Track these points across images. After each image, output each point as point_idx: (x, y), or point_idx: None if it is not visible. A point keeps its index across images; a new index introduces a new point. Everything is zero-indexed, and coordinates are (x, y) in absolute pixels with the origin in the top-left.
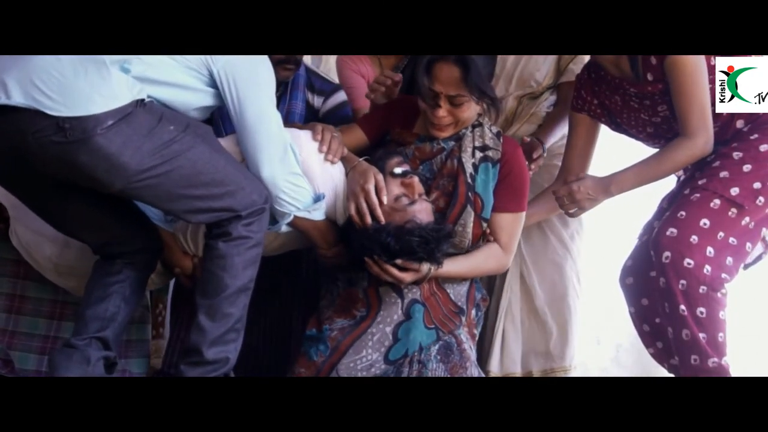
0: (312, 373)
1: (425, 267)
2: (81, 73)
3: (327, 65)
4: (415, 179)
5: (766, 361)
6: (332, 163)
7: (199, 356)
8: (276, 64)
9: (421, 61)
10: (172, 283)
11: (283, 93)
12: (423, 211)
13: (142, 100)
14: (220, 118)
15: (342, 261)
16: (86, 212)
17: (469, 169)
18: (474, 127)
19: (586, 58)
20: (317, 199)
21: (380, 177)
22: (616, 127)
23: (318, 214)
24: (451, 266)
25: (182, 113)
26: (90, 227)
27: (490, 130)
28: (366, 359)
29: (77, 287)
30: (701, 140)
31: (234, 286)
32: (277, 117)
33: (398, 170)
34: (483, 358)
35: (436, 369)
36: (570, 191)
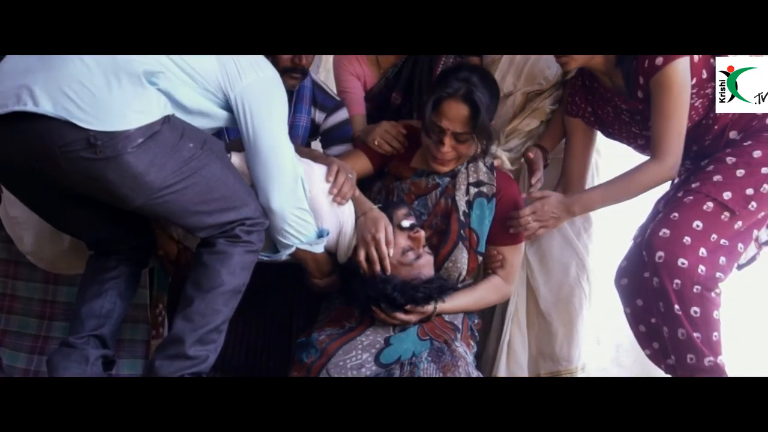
0: (302, 374)
1: (430, 307)
2: (114, 85)
3: (327, 65)
4: (422, 233)
5: (763, 361)
6: (340, 204)
7: (180, 348)
8: (282, 73)
9: (430, 98)
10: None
11: (288, 104)
12: (427, 266)
13: (168, 116)
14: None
15: (332, 290)
16: (86, 214)
17: (462, 207)
18: (468, 162)
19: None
20: (320, 234)
21: (390, 229)
22: (609, 134)
23: (319, 248)
24: (455, 302)
25: (199, 129)
26: (88, 227)
27: (485, 164)
28: (356, 358)
29: (53, 260)
30: (669, 163)
31: (231, 285)
32: (290, 149)
33: (406, 223)
34: (490, 364)
35: (427, 368)
36: (534, 209)
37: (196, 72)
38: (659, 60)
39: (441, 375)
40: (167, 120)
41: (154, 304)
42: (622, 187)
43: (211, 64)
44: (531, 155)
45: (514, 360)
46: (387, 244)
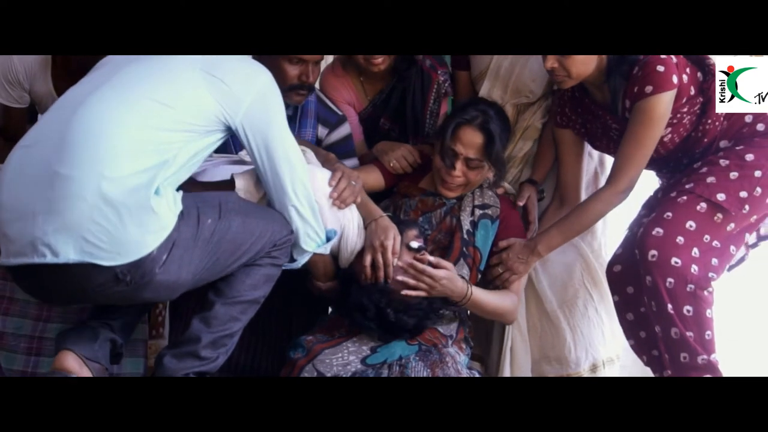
0: (288, 370)
1: (463, 285)
2: (125, 216)
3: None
4: (427, 257)
5: (759, 360)
6: (339, 208)
7: (194, 347)
8: (289, 90)
9: (449, 123)
10: None
11: (292, 118)
12: None
13: (181, 211)
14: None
15: (332, 295)
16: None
17: (466, 226)
18: (474, 189)
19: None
20: (329, 236)
21: (399, 239)
22: (596, 147)
23: (327, 250)
24: (481, 294)
25: (212, 193)
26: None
27: (489, 190)
28: (342, 359)
29: None
30: (622, 188)
31: (251, 296)
32: (300, 156)
33: (415, 245)
34: (494, 369)
35: (416, 367)
36: (499, 260)
37: (196, 124)
38: (649, 88)
39: (429, 372)
40: (181, 215)
41: (155, 305)
42: (578, 221)
43: (208, 103)
44: (521, 203)
45: (517, 365)
46: (393, 253)
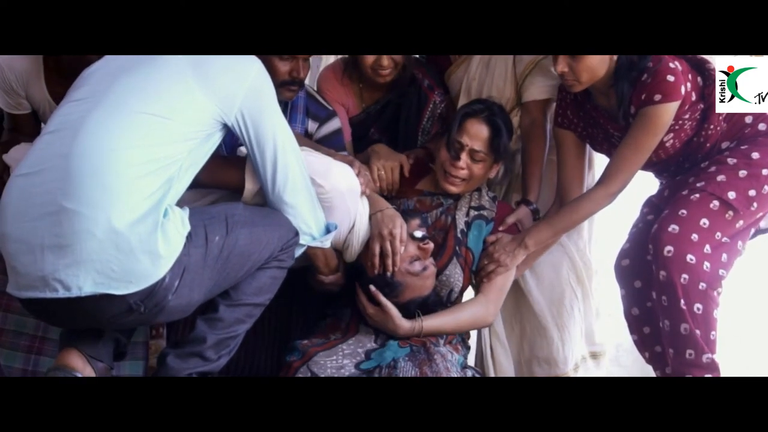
0: (284, 372)
1: (408, 324)
2: (136, 244)
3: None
4: (431, 245)
5: (756, 360)
6: (364, 194)
7: (198, 347)
8: (280, 86)
9: (456, 116)
10: None
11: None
12: (431, 278)
13: (189, 233)
14: (223, 143)
15: (336, 289)
16: None
17: (460, 225)
18: (473, 190)
19: (545, 72)
20: (329, 229)
21: (405, 228)
22: (597, 150)
23: (327, 243)
24: (434, 322)
25: (218, 207)
26: None
27: (487, 195)
28: (336, 362)
29: None
30: (613, 190)
31: (258, 299)
32: (295, 146)
33: (419, 234)
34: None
35: (404, 367)
36: (487, 252)
37: (197, 131)
38: (658, 96)
39: (418, 371)
40: (189, 238)
41: None
42: (568, 218)
43: (204, 107)
44: (503, 228)
45: (501, 370)
46: (401, 241)
